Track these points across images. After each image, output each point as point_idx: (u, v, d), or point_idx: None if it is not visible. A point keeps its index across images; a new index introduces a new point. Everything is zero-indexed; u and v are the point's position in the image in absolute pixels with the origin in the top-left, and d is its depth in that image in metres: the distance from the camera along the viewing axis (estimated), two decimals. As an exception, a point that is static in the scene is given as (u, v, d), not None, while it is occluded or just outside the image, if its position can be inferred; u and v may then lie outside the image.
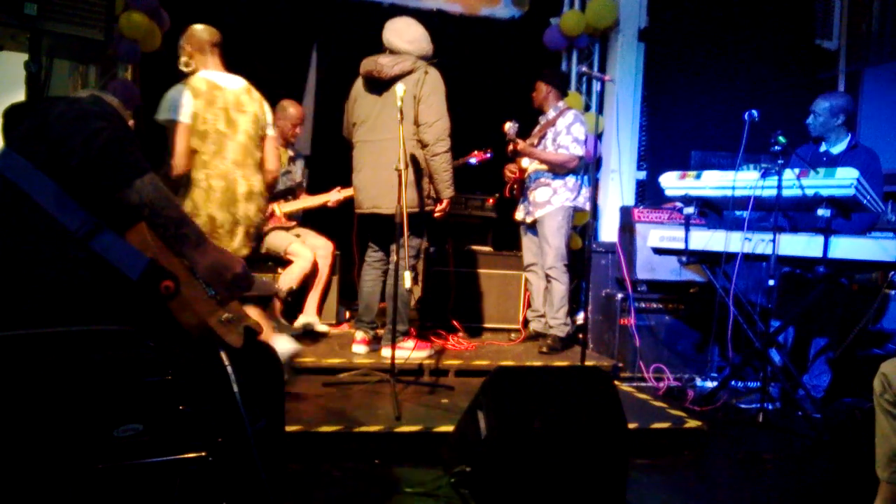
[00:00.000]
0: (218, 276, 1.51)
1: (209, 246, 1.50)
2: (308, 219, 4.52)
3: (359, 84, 3.81)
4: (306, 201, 4.45)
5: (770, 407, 3.55)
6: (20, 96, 2.78)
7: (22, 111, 1.52)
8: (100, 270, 1.39)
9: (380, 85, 3.66)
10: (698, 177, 3.71)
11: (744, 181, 3.50)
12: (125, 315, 1.43)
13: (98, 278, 1.39)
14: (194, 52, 3.18)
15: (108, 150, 1.37)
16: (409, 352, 3.71)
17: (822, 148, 3.94)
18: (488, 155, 4.67)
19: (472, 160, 4.69)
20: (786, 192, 3.34)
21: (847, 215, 3.39)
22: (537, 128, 4.44)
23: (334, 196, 4.42)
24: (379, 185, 3.61)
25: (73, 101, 1.49)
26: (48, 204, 1.37)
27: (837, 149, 3.88)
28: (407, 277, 3.01)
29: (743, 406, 3.68)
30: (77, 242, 1.38)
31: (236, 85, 3.21)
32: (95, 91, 1.91)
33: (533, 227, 4.38)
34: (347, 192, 4.28)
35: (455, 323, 4.64)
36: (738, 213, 3.63)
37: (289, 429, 2.47)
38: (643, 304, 4.34)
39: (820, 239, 3.21)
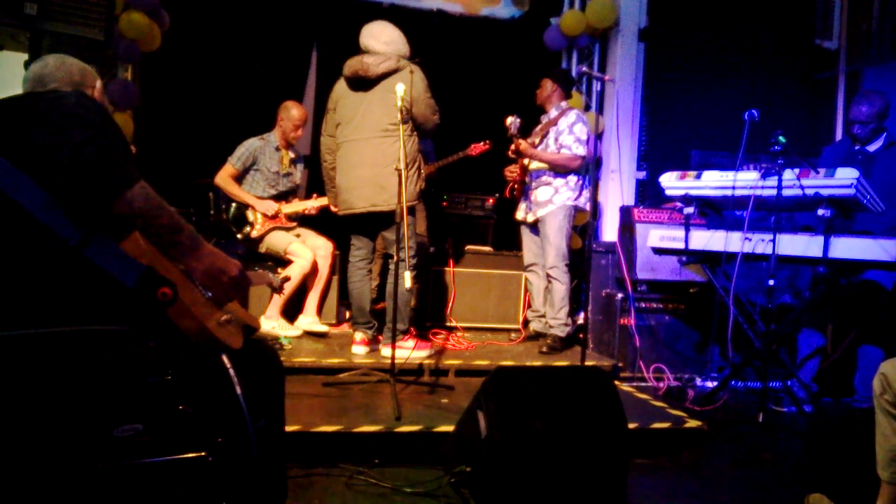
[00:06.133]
0: (214, 279, 1.50)
1: (205, 250, 1.49)
2: (308, 219, 4.52)
3: (340, 86, 3.84)
4: (301, 205, 4.43)
5: (771, 406, 3.56)
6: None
7: (2, 108, 1.46)
8: (96, 279, 1.38)
9: (364, 84, 3.70)
10: (698, 177, 3.71)
11: (744, 181, 3.50)
12: (124, 322, 1.42)
13: (94, 287, 1.38)
14: None
15: (96, 163, 1.32)
16: (409, 351, 3.71)
17: (857, 146, 3.90)
18: (487, 146, 4.68)
19: (472, 153, 4.69)
20: (786, 192, 3.33)
21: (847, 215, 3.39)
22: (538, 126, 4.44)
23: (311, 204, 4.40)
24: (374, 182, 3.63)
25: (56, 99, 1.44)
26: (39, 212, 1.35)
27: (874, 147, 3.85)
28: (407, 277, 3.01)
29: (786, 411, 3.63)
30: (71, 251, 1.36)
31: None
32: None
33: (534, 227, 4.37)
34: (323, 201, 4.30)
35: (454, 322, 4.65)
36: (738, 213, 3.63)
37: (288, 429, 2.47)
38: (643, 304, 4.34)
39: (820, 239, 3.21)
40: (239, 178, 4.31)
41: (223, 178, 4.26)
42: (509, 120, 4.20)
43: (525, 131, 4.34)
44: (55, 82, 1.71)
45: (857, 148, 3.90)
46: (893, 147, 3.82)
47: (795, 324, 3.84)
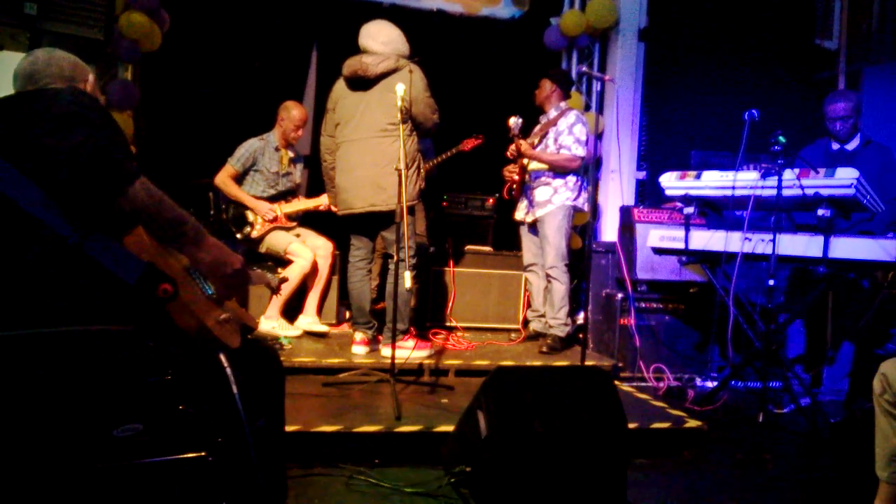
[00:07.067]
0: (218, 273, 1.51)
1: (209, 242, 1.49)
2: (308, 219, 4.52)
3: (340, 85, 3.85)
4: (302, 203, 4.43)
5: (771, 407, 3.55)
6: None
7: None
8: (96, 276, 1.38)
9: (364, 84, 3.70)
10: (698, 177, 3.71)
11: (744, 181, 3.50)
12: (124, 319, 1.42)
13: (94, 284, 1.38)
14: None
15: (96, 161, 1.31)
16: (409, 351, 3.71)
17: (836, 145, 3.93)
18: (479, 140, 4.68)
19: (464, 148, 4.68)
20: (786, 192, 3.34)
21: (847, 216, 3.39)
22: (538, 127, 4.44)
23: (324, 200, 4.40)
24: (373, 182, 3.63)
25: (51, 97, 1.44)
26: (38, 211, 1.34)
27: (851, 145, 3.88)
28: (407, 277, 3.01)
29: (786, 412, 3.64)
30: (70, 249, 1.36)
31: None
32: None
33: (533, 227, 4.37)
34: (326, 200, 4.29)
35: (454, 322, 4.64)
36: (738, 213, 3.63)
37: (288, 429, 2.47)
38: (643, 304, 4.34)
39: (820, 239, 3.21)
40: (239, 179, 4.31)
41: (223, 179, 4.26)
42: (512, 121, 4.19)
43: (525, 132, 4.34)
44: (46, 78, 1.66)
45: (836, 148, 3.93)
46: (871, 145, 3.86)
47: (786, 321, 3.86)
